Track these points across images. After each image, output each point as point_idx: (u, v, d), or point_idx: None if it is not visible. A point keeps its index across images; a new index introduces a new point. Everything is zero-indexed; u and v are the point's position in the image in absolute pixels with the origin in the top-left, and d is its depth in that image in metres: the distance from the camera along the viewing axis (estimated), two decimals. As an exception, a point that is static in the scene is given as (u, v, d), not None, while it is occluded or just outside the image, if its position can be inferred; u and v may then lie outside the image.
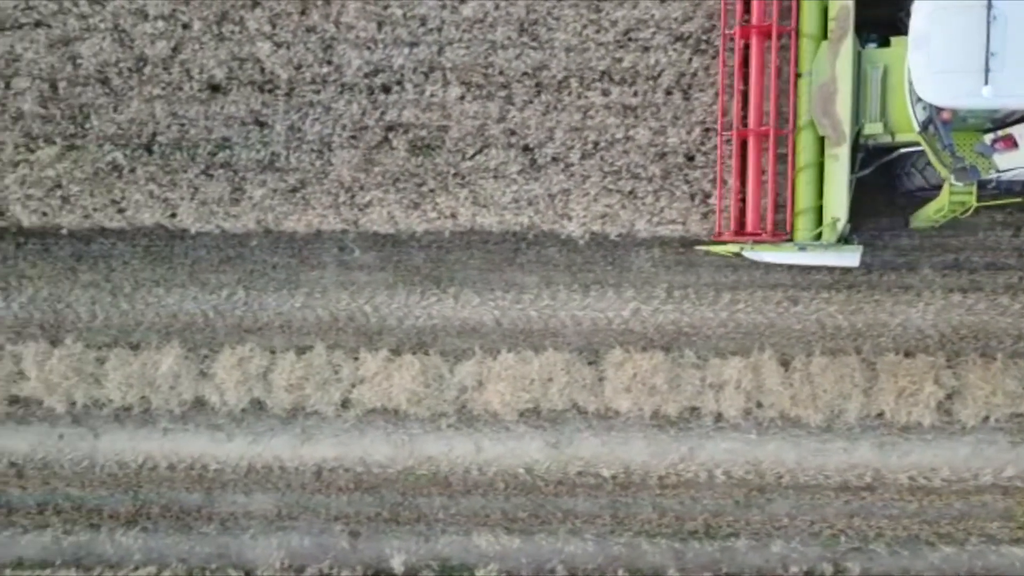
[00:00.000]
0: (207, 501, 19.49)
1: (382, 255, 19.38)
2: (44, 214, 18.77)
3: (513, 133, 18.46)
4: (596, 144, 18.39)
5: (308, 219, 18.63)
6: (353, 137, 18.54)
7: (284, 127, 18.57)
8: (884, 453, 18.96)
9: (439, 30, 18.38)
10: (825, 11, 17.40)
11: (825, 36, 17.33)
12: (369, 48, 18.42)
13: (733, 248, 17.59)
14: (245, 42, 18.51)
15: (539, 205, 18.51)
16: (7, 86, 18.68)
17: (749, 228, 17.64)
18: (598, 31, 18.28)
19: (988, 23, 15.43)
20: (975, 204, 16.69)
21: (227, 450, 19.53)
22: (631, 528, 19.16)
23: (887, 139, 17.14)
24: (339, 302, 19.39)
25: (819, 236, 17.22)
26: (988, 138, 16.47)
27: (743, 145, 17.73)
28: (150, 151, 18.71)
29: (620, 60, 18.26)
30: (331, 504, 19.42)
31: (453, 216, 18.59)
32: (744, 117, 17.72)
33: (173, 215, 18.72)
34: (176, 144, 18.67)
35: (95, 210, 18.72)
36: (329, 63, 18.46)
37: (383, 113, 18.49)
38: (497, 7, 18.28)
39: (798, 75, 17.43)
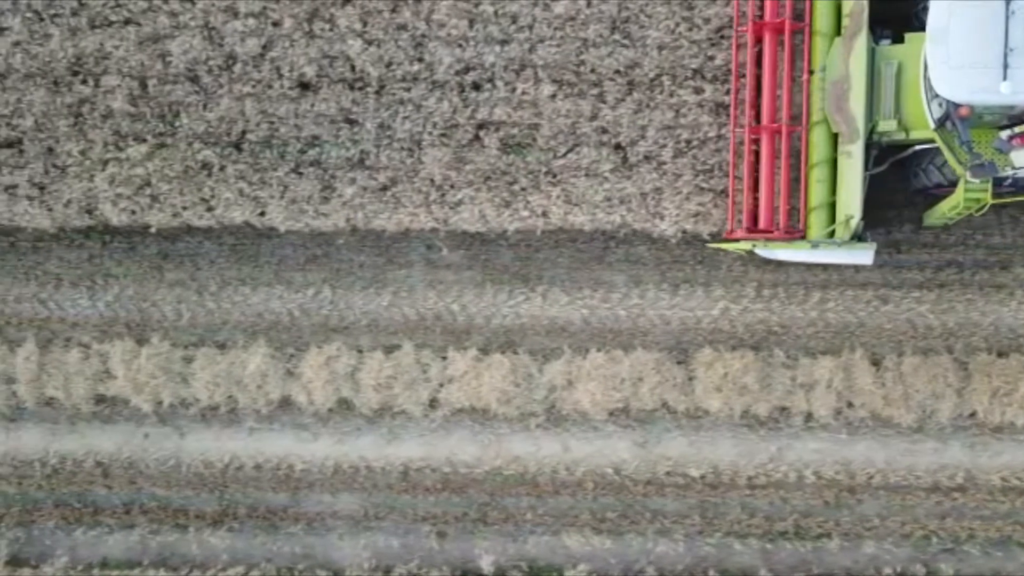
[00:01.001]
0: (293, 501, 19.39)
1: (470, 253, 19.27)
2: (133, 213, 18.68)
3: (605, 131, 18.35)
4: (688, 142, 18.28)
5: (398, 218, 18.53)
6: (444, 135, 18.44)
7: (374, 125, 18.47)
8: (976, 453, 18.83)
9: (531, 28, 18.27)
10: (839, 8, 17.25)
11: (839, 33, 17.19)
12: (460, 46, 18.32)
13: (746, 245, 17.48)
14: (336, 40, 18.41)
15: (631, 204, 18.41)
16: (97, 84, 18.59)
17: (762, 225, 17.51)
18: (690, 29, 18.17)
19: (1007, 18, 15.32)
20: (990, 201, 16.54)
21: (312, 450, 19.43)
22: (720, 528, 19.04)
23: (901, 136, 17.01)
24: (426, 301, 19.29)
25: (832, 234, 17.10)
26: (1005, 134, 16.34)
27: (755, 142, 17.61)
28: (240, 149, 18.62)
29: (712, 58, 18.15)
30: (418, 504, 19.31)
31: (544, 215, 18.48)
32: (757, 114, 17.61)
33: (262, 213, 18.63)
34: (266, 142, 18.58)
35: (184, 208, 18.63)
36: (420, 60, 18.37)
37: (474, 111, 18.38)
38: (589, 4, 18.17)
39: (811, 72, 17.29)
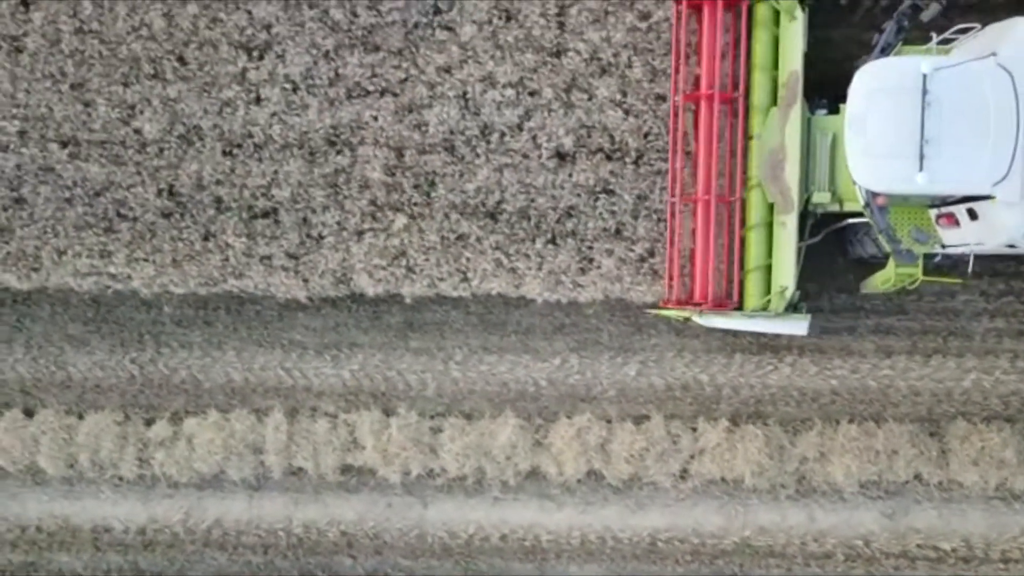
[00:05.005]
0: (540, 572, 19.24)
1: (717, 323, 19.16)
2: (388, 283, 18.55)
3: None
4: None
5: (656, 289, 18.39)
6: (702, 206, 18.31)
7: (632, 196, 18.34)
8: None
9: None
10: (775, 78, 17.19)
11: (775, 102, 17.15)
12: (719, 117, 18.19)
13: (684, 313, 17.39)
14: (594, 110, 18.29)
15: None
16: (353, 154, 18.50)
17: (697, 296, 17.40)
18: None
19: (923, 109, 15.33)
20: (921, 278, 16.52)
21: (557, 520, 19.29)
22: (973, 602, 18.90)
23: (835, 208, 17.03)
24: (674, 370, 19.15)
25: (767, 304, 17.01)
26: (933, 213, 16.40)
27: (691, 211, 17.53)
28: (496, 220, 18.49)
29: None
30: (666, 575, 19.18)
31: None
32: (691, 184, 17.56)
33: (518, 285, 18.49)
34: (523, 213, 18.45)
35: (440, 279, 18.50)
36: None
37: (732, 182, 18.26)
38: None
39: (748, 138, 17.23)
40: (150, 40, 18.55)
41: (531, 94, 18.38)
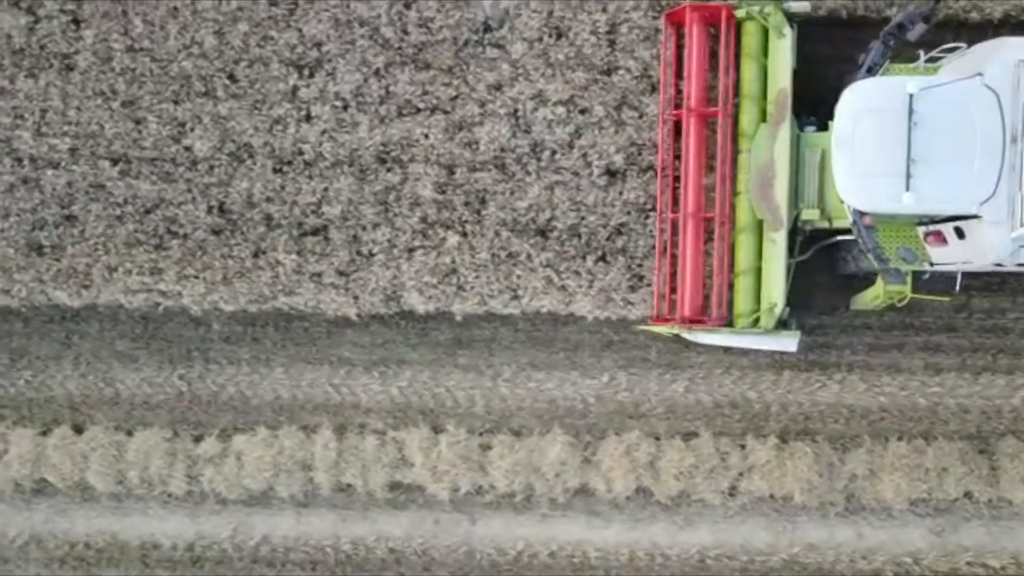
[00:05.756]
0: (588, 588, 19.28)
1: (766, 339, 19.15)
2: (438, 301, 18.57)
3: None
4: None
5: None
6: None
7: (682, 213, 18.36)
8: None
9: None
10: (765, 96, 17.24)
11: (764, 119, 17.19)
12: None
13: (673, 330, 17.41)
14: (644, 128, 18.31)
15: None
16: (404, 172, 18.52)
17: (687, 312, 17.41)
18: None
19: (910, 130, 15.41)
20: (910, 295, 16.66)
21: (605, 536, 19.28)
22: (1023, 620, 18.86)
23: (824, 224, 17.09)
24: (722, 387, 19.14)
25: (757, 321, 17.02)
26: (921, 231, 16.44)
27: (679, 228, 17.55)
28: (547, 237, 18.51)
29: None
30: (716, 593, 19.20)
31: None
32: (678, 200, 17.58)
33: (568, 302, 18.49)
34: (573, 230, 18.46)
35: (490, 297, 18.51)
36: (730, 149, 18.28)
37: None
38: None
39: (737, 153, 17.30)
40: (201, 58, 18.61)
41: (582, 112, 18.42)
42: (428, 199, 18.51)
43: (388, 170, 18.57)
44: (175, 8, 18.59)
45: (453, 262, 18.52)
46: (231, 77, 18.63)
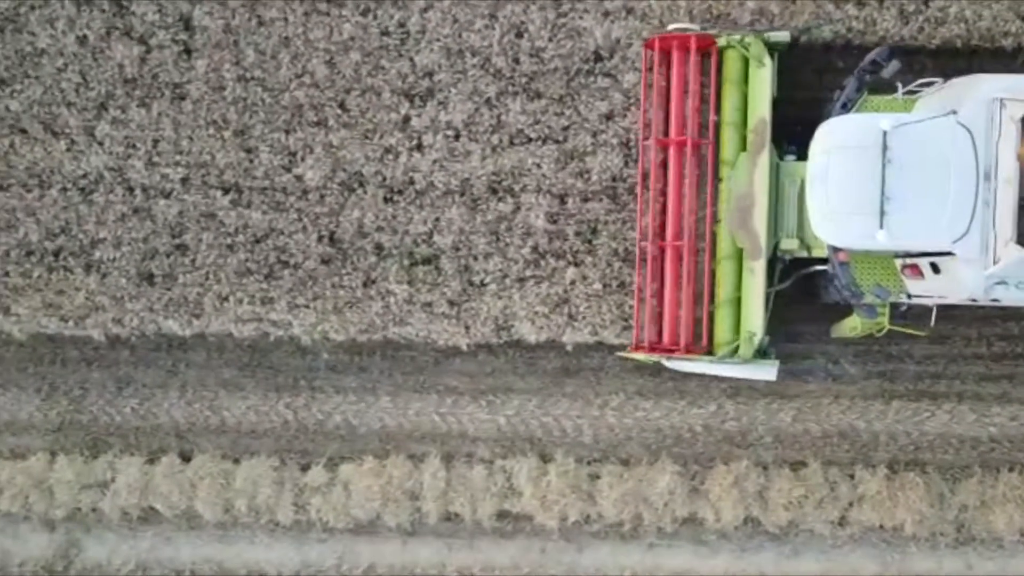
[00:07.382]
0: (694, 618, 19.22)
1: (867, 367, 19.06)
2: (550, 331, 18.54)
3: None
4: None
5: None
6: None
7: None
8: None
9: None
10: (745, 124, 17.15)
11: (745, 147, 17.10)
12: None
13: (653, 358, 17.33)
14: (756, 157, 18.26)
15: None
16: (516, 201, 18.50)
17: (666, 341, 17.30)
18: None
19: (884, 166, 15.34)
20: (888, 327, 16.78)
21: (712, 566, 19.24)
22: None
23: (804, 254, 17.07)
24: (830, 416, 19.10)
25: (736, 350, 16.96)
26: (898, 263, 16.43)
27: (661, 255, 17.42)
28: (658, 266, 18.48)
29: None
30: (823, 622, 19.13)
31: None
32: (661, 227, 17.43)
33: (679, 331, 18.44)
34: (684, 260, 18.42)
35: (602, 327, 18.48)
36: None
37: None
38: None
39: (718, 180, 17.20)
40: (313, 87, 18.62)
41: (691, 140, 18.36)
42: (540, 229, 18.49)
43: (500, 200, 18.55)
44: (286, 38, 18.58)
45: (565, 292, 18.49)
46: (342, 106, 18.63)
